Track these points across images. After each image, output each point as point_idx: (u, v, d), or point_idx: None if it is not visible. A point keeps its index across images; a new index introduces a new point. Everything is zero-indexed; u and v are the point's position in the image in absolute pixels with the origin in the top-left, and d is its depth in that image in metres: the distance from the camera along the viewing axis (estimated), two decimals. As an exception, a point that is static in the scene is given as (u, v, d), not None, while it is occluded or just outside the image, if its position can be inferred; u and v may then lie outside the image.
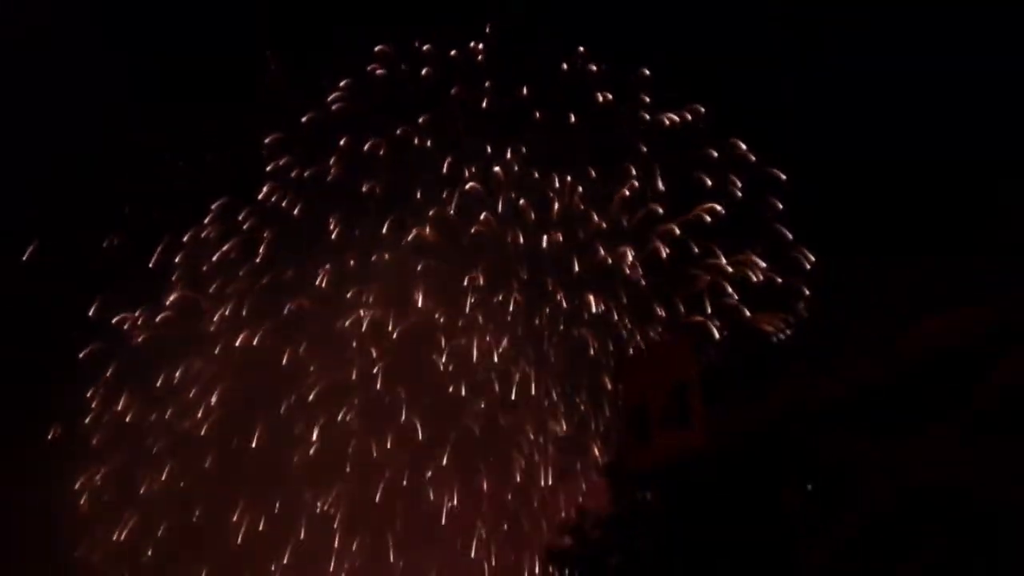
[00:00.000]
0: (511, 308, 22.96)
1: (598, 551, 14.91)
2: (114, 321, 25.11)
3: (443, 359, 22.63)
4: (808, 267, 21.48)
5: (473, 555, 20.72)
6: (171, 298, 24.82)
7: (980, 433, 12.55)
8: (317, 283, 24.52)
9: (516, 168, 24.57)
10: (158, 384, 24.45)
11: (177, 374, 24.27)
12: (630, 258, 22.57)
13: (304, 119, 25.55)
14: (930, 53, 22.68)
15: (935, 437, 12.70)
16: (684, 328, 15.70)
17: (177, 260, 25.50)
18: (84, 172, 24.34)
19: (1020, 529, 11.88)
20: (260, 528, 23.26)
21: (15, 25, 25.22)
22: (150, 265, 25.11)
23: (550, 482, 19.36)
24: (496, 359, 22.12)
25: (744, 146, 24.16)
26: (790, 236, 22.58)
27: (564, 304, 22.31)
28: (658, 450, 13.76)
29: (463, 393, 22.47)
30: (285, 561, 22.79)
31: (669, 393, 14.08)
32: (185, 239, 25.58)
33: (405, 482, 22.04)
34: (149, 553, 23.71)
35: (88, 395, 25.50)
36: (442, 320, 23.14)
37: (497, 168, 24.09)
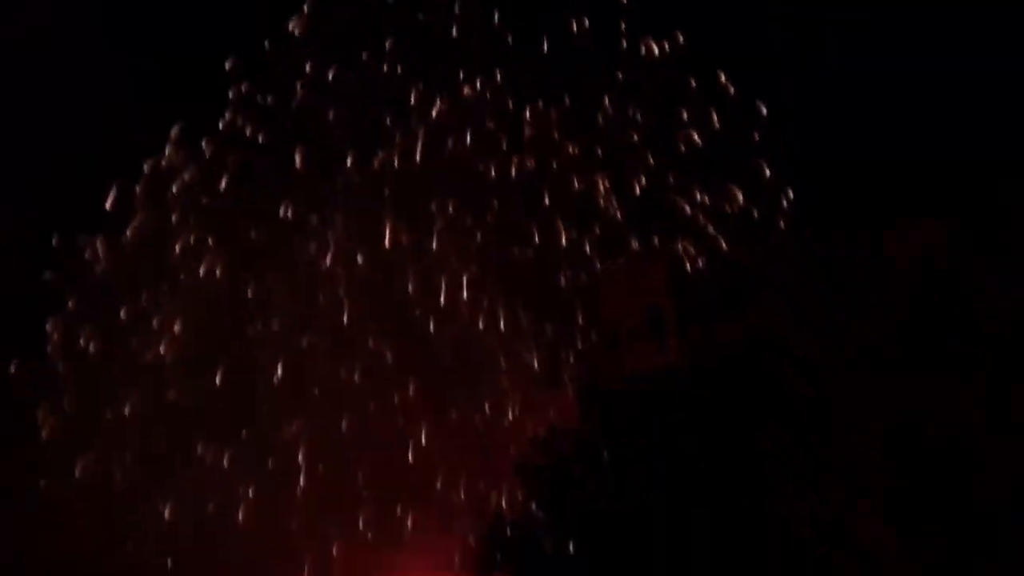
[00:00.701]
0: (480, 238, 22.95)
1: (566, 464, 15.10)
2: (74, 250, 25.03)
3: (410, 288, 22.64)
4: (786, 205, 21.58)
5: (439, 485, 20.89)
6: (132, 226, 24.70)
7: (965, 368, 12.72)
8: (282, 213, 24.45)
9: (487, 96, 24.46)
10: (120, 315, 24.40)
11: (138, 304, 24.18)
12: (604, 188, 22.56)
13: (266, 43, 25.31)
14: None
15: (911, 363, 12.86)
16: (660, 251, 15.76)
17: (137, 189, 25.36)
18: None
19: (1006, 467, 12.08)
20: (226, 458, 23.37)
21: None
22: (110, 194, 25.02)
23: (518, 412, 19.46)
24: (465, 289, 22.14)
25: (724, 78, 24.12)
26: (768, 172, 22.65)
27: (536, 235, 22.31)
28: (631, 368, 13.91)
29: (431, 324, 22.51)
30: (252, 490, 22.88)
31: (643, 313, 14.22)
32: (145, 168, 25.44)
33: (372, 411, 22.12)
34: (113, 485, 23.77)
35: (48, 327, 25.45)
36: (410, 250, 23.10)
37: (467, 94, 23.99)
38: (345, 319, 23.42)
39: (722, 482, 13.85)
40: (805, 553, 13.21)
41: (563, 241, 20.60)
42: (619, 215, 21.25)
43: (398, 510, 21.75)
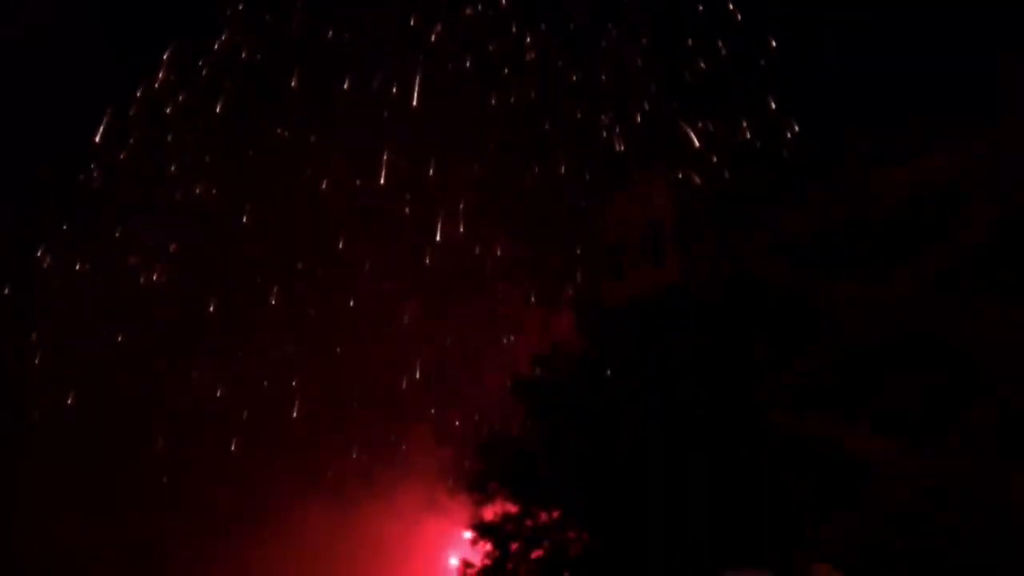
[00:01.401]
0: (480, 165, 22.96)
1: (566, 381, 15.27)
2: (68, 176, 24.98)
3: (408, 212, 22.71)
4: (790, 136, 21.59)
5: (436, 406, 21.09)
6: (127, 149, 24.65)
7: (957, 278, 12.84)
8: (279, 135, 24.36)
9: (488, 19, 24.34)
10: (115, 235, 24.41)
11: (132, 227, 24.18)
12: (606, 118, 22.58)
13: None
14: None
15: (913, 279, 12.96)
16: (662, 169, 15.80)
17: (132, 112, 25.27)
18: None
19: (993, 372, 12.22)
20: (220, 387, 23.53)
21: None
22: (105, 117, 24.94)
23: (517, 334, 19.61)
24: (463, 215, 22.21)
25: (732, 5, 24.01)
26: (773, 105, 22.63)
27: (536, 164, 22.35)
28: (631, 287, 14.02)
29: (428, 249, 22.59)
30: (246, 415, 23.10)
31: (644, 231, 14.31)
32: (139, 92, 25.32)
33: (368, 333, 22.27)
34: (103, 413, 23.92)
35: (40, 251, 25.45)
36: (408, 175, 23.12)
37: (469, 14, 23.86)
38: (341, 244, 23.51)
39: (719, 401, 14.01)
40: (800, 474, 13.42)
41: (563, 169, 20.69)
42: (621, 145, 21.32)
43: (393, 429, 22.02)
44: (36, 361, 25.30)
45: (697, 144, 20.45)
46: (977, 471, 11.29)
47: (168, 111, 24.58)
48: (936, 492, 11.60)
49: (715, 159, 20.86)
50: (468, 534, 20.08)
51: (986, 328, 12.35)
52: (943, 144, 12.92)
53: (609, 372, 15.24)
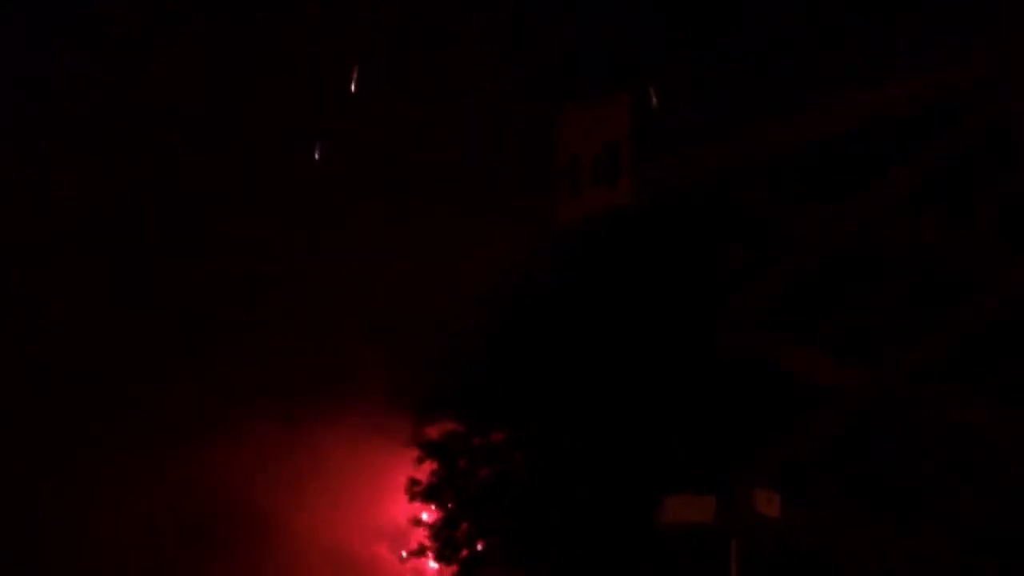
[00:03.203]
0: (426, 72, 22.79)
1: (513, 299, 15.76)
2: None
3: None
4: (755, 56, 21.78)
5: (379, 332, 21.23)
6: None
7: (922, 198, 13.33)
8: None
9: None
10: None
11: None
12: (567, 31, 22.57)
13: None
14: None
15: (874, 201, 13.42)
16: (621, 87, 16.01)
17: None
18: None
19: (947, 296, 12.74)
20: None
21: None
22: None
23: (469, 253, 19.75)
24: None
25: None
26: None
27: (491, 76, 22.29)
28: (587, 206, 14.32)
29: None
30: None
31: (601, 150, 14.59)
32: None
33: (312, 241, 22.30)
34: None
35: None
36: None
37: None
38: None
39: (670, 323, 14.53)
40: (746, 398, 14.00)
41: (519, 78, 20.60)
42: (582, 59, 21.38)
43: (337, 351, 22.27)
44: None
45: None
46: (918, 395, 11.86)
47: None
48: (877, 415, 12.20)
49: (676, 79, 21.08)
50: (413, 453, 20.65)
51: (945, 251, 12.85)
52: (916, 67, 13.31)
53: (559, 292, 15.71)
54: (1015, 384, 11.58)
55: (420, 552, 20.75)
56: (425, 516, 20.67)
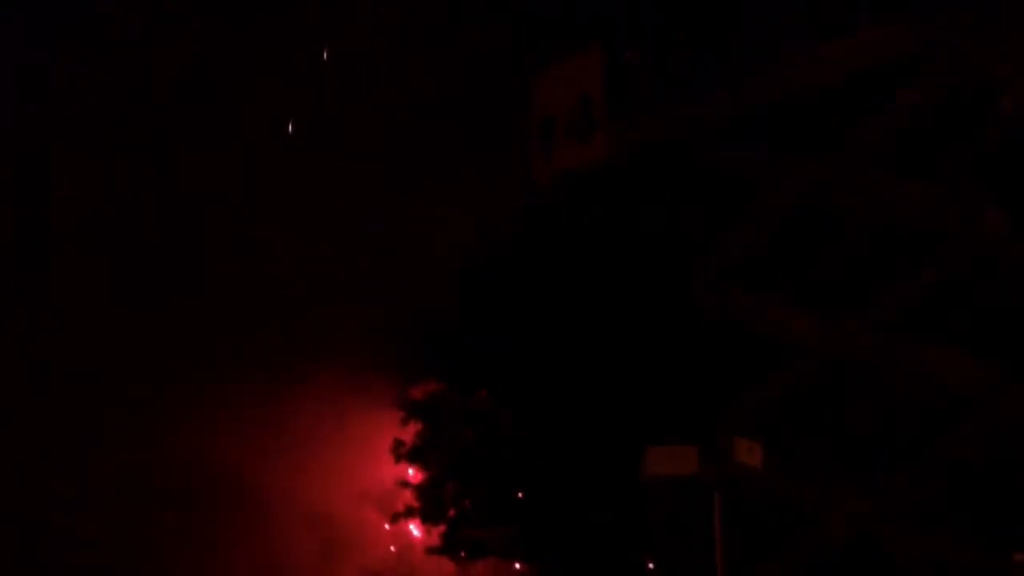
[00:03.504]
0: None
1: (495, 258, 15.86)
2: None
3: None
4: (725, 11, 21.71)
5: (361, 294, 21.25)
6: None
7: (887, 159, 13.44)
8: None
9: None
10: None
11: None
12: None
13: None
14: None
15: (845, 156, 13.53)
16: (595, 43, 16.04)
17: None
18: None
19: (915, 250, 12.88)
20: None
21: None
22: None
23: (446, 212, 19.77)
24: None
25: None
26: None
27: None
28: (561, 162, 14.41)
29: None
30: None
31: (575, 106, 14.65)
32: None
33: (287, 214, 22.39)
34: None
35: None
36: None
37: None
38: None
39: (648, 278, 14.64)
40: (724, 350, 14.13)
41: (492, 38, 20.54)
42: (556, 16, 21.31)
43: (319, 316, 22.34)
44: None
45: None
46: (889, 347, 12.01)
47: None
48: (850, 367, 12.35)
49: (648, 35, 20.97)
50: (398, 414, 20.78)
51: (911, 206, 12.98)
52: (881, 22, 13.37)
53: (538, 250, 15.81)
54: (983, 334, 11.74)
55: (407, 514, 20.90)
56: (411, 472, 20.84)
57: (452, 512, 19.22)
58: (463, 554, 19.46)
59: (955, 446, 11.40)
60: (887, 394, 12.52)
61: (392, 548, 23.13)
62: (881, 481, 11.72)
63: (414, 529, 21.31)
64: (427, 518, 19.87)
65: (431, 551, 20.01)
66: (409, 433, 20.67)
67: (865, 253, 13.32)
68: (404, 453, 20.67)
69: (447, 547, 19.40)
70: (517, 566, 18.89)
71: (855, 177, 13.16)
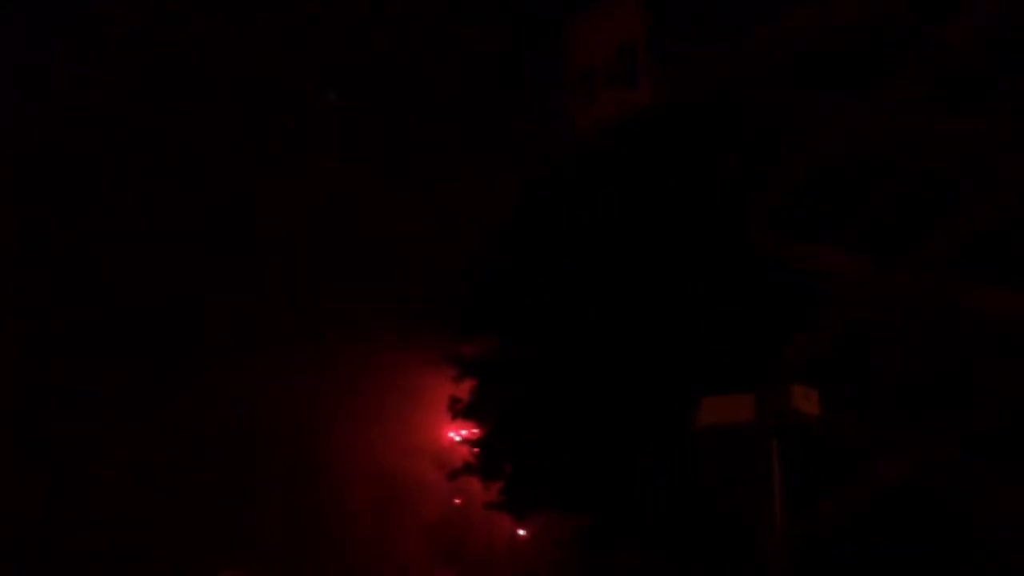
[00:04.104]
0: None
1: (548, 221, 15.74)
2: None
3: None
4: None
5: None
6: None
7: (935, 94, 13.18)
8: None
9: None
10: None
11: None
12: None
13: None
14: None
15: (890, 96, 13.29)
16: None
17: None
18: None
19: (967, 192, 12.67)
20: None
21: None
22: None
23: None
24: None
25: None
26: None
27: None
28: (603, 109, 14.26)
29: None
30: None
31: (616, 53, 14.49)
32: None
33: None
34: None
35: None
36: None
37: None
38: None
39: (698, 226, 14.49)
40: (776, 295, 14.01)
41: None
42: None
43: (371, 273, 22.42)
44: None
45: None
46: (942, 289, 11.85)
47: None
48: (901, 309, 12.20)
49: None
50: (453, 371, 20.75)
51: (961, 148, 12.76)
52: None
53: (585, 201, 15.67)
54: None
55: (466, 471, 20.93)
56: (466, 433, 20.87)
57: (508, 468, 19.19)
58: (520, 509, 19.49)
59: (1006, 384, 11.24)
60: (938, 334, 12.37)
61: (454, 502, 23.33)
62: (934, 423, 11.59)
63: (471, 485, 21.38)
64: (484, 474, 19.89)
65: (488, 506, 20.06)
66: (465, 390, 20.67)
67: (914, 194, 13.13)
68: (460, 410, 20.67)
69: (505, 503, 19.42)
70: (573, 521, 18.88)
71: (902, 117, 12.95)
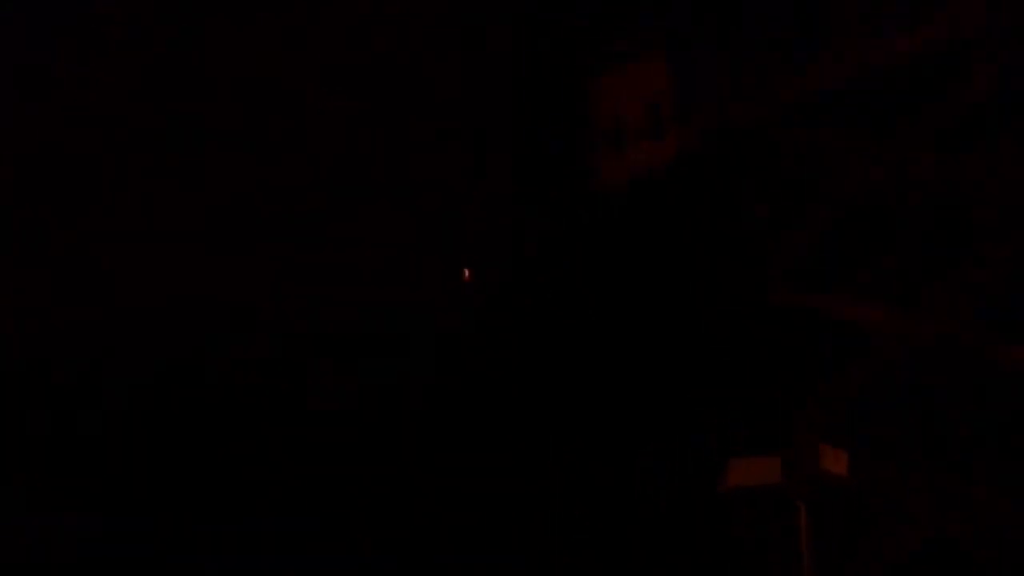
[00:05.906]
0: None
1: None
2: None
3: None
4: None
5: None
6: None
7: (956, 138, 13.39)
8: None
9: None
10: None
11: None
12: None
13: None
14: None
15: (912, 138, 13.51)
16: (657, 38, 16.11)
17: None
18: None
19: (996, 223, 12.80)
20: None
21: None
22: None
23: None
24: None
25: None
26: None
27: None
28: (632, 163, 14.56)
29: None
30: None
31: (643, 108, 14.78)
32: None
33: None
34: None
35: None
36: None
37: None
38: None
39: (721, 273, 14.67)
40: (800, 346, 14.13)
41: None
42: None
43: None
44: None
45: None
46: (966, 335, 11.93)
47: None
48: (926, 354, 12.27)
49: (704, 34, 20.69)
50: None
51: (984, 186, 12.93)
52: (942, 11, 13.30)
53: (600, 256, 15.78)
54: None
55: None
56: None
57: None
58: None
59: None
60: (970, 385, 12.48)
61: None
62: (970, 479, 11.69)
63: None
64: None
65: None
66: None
67: (940, 239, 13.30)
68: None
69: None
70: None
71: (928, 160, 13.14)
